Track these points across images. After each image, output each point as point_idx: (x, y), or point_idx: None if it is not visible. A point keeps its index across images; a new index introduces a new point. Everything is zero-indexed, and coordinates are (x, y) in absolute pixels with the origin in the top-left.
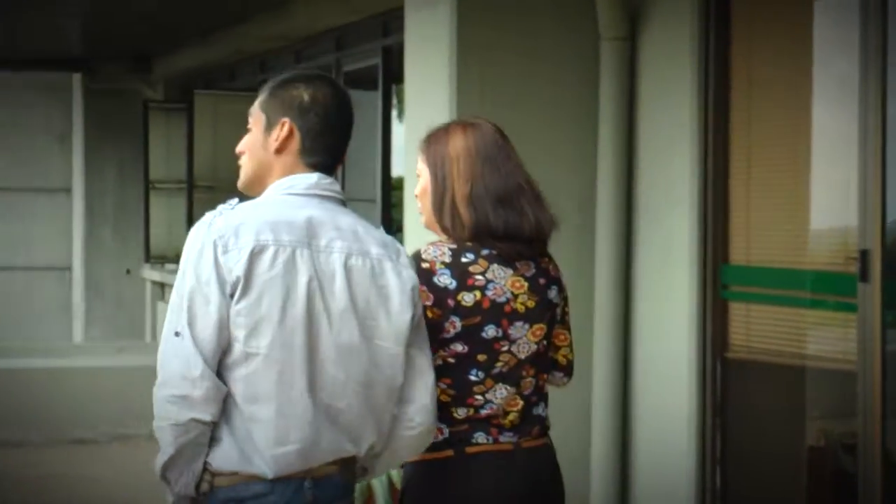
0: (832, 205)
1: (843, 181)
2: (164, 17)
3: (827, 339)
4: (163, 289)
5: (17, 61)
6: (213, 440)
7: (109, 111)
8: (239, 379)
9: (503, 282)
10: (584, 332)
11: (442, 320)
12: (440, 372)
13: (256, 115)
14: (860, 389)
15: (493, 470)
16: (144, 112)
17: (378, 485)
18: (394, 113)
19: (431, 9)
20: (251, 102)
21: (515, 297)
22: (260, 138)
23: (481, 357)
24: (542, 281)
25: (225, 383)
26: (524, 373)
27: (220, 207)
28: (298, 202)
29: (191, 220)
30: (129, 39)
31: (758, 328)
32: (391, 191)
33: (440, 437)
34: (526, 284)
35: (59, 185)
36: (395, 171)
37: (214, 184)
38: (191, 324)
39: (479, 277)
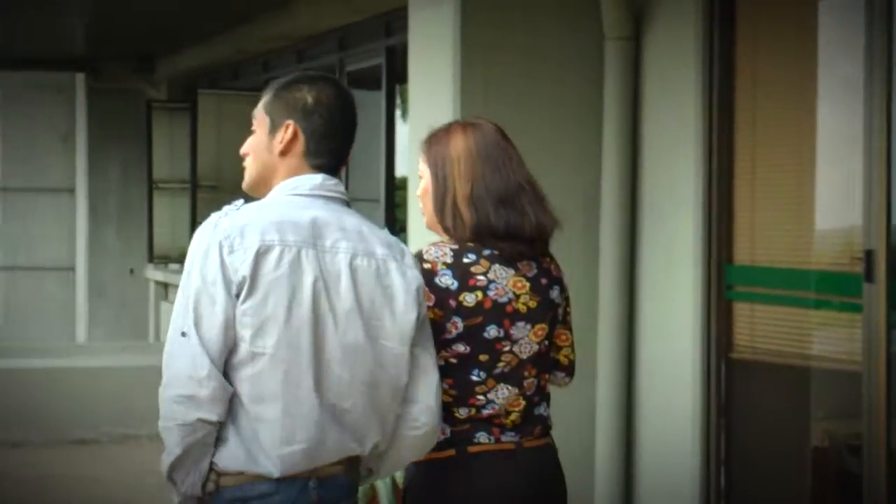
0: (837, 205)
1: (847, 181)
2: (167, 16)
3: (832, 339)
4: (166, 289)
5: (21, 61)
6: (218, 440)
7: (113, 111)
8: (245, 379)
9: (505, 282)
10: (589, 332)
11: (443, 321)
12: (442, 372)
13: (260, 117)
14: (865, 390)
15: (495, 469)
16: (148, 112)
17: (381, 485)
18: (397, 113)
19: (435, 8)
20: (254, 102)
21: (517, 297)
22: (264, 140)
23: (483, 357)
24: (543, 281)
25: (231, 383)
26: (526, 373)
27: (226, 208)
28: (303, 203)
29: (194, 220)
30: (133, 39)
31: (762, 328)
32: (395, 191)
33: (442, 437)
34: (528, 285)
35: (63, 184)
36: (399, 172)
37: (218, 183)
38: (197, 324)
39: (481, 278)
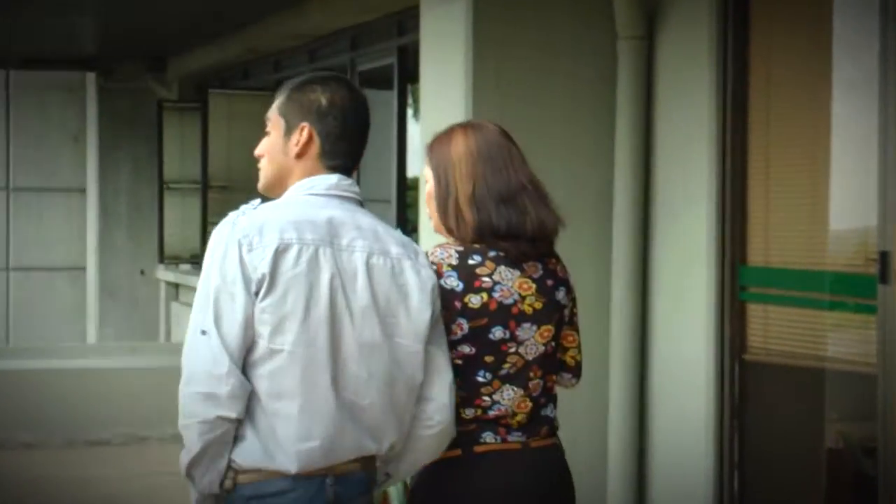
0: (851, 206)
1: (862, 181)
2: (178, 16)
3: (846, 341)
4: (177, 289)
5: (32, 60)
6: (236, 437)
7: (124, 111)
8: (263, 376)
9: (510, 283)
10: (601, 332)
11: (449, 322)
12: None
13: (275, 119)
14: (880, 392)
15: (501, 469)
16: (159, 111)
17: (394, 490)
18: (409, 112)
19: (447, 6)
20: (266, 102)
21: (523, 298)
22: (279, 142)
23: (488, 358)
24: (549, 282)
25: (249, 380)
26: (532, 374)
27: (243, 207)
28: (319, 202)
29: (205, 221)
30: (144, 39)
31: (776, 330)
32: (406, 191)
33: None
34: (534, 286)
35: (74, 184)
36: (411, 172)
37: (228, 184)
38: (217, 322)
39: (486, 279)
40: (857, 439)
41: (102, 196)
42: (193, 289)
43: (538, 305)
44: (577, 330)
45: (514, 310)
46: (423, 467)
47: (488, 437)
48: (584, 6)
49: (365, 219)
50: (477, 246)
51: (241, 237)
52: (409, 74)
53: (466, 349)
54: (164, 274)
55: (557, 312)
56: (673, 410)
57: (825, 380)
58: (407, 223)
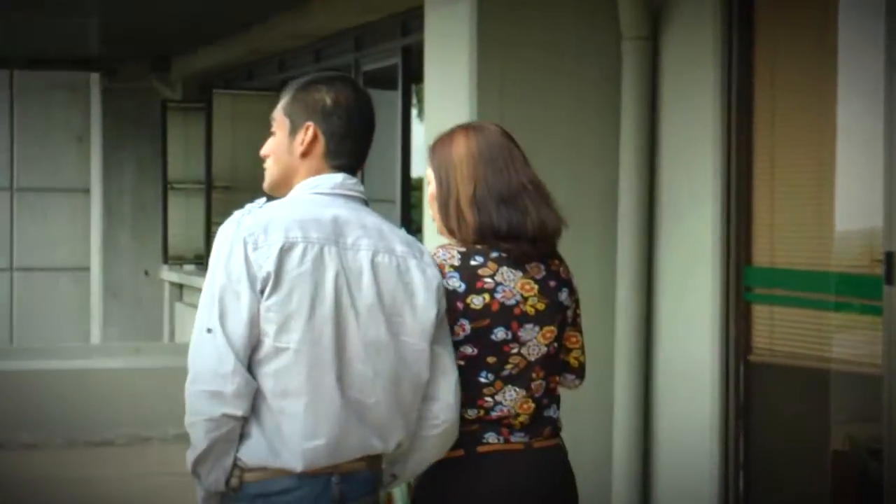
0: (857, 206)
1: (867, 182)
2: (182, 16)
3: (852, 342)
4: (181, 290)
5: (36, 60)
6: (242, 435)
7: (128, 111)
8: (269, 374)
9: (512, 284)
10: (606, 332)
11: (451, 323)
12: None
13: (280, 119)
14: (885, 393)
15: (504, 469)
16: (163, 112)
17: (398, 491)
18: (413, 113)
19: (451, 6)
20: (270, 102)
21: (525, 299)
22: (285, 142)
23: (491, 359)
24: (552, 283)
25: (255, 379)
26: (534, 375)
27: (249, 206)
28: (324, 201)
29: (209, 221)
30: (148, 39)
31: (781, 331)
32: (410, 191)
33: None
34: (536, 287)
35: (77, 185)
36: (415, 172)
37: (233, 184)
38: (222, 320)
39: (488, 280)
40: (862, 440)
41: (106, 196)
42: (198, 289)
43: (540, 306)
44: (580, 331)
45: (517, 311)
46: (426, 467)
47: (491, 437)
48: (588, 6)
49: (370, 218)
50: (479, 247)
51: (246, 236)
52: (413, 74)
53: (468, 350)
54: (168, 274)
55: (560, 313)
56: (678, 411)
57: (830, 381)
58: (411, 223)
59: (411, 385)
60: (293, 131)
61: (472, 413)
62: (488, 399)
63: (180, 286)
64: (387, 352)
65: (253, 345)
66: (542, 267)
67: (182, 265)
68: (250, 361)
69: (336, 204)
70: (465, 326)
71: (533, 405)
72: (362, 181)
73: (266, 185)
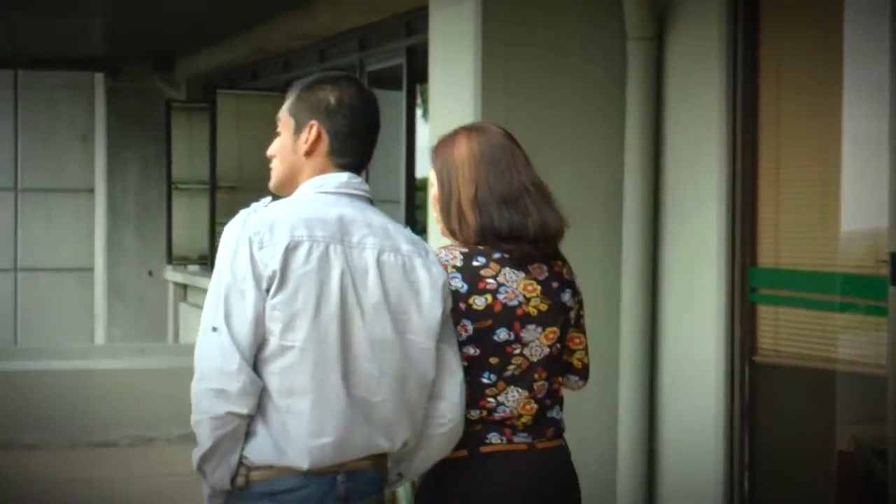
0: (862, 207)
1: (873, 183)
2: (186, 16)
3: (857, 343)
4: (185, 290)
5: (40, 60)
6: (248, 434)
7: (132, 111)
8: (275, 372)
9: (515, 285)
10: (611, 333)
11: (454, 324)
12: None
13: (285, 119)
14: (890, 394)
15: (507, 469)
16: (167, 112)
17: (402, 490)
18: (418, 113)
19: (456, 6)
20: (274, 102)
21: (528, 300)
22: (289, 142)
23: (493, 360)
24: (555, 284)
25: (260, 377)
26: (536, 376)
27: (254, 205)
28: (330, 200)
29: (213, 221)
30: (152, 39)
31: (787, 332)
32: (415, 192)
33: None
34: (538, 288)
35: (82, 185)
36: (420, 172)
37: (237, 184)
38: (227, 319)
39: (491, 281)
40: (867, 441)
41: (110, 196)
42: (202, 290)
43: (543, 307)
44: (583, 332)
45: (519, 311)
46: (431, 467)
47: (494, 437)
48: (593, 7)
49: (375, 216)
50: (481, 248)
51: (251, 234)
52: (417, 75)
53: (471, 350)
54: (172, 275)
55: (563, 314)
56: (683, 412)
57: (836, 382)
58: (416, 224)
59: (417, 384)
60: (298, 130)
61: (474, 414)
62: (491, 400)
63: (184, 286)
64: (392, 350)
65: (258, 343)
66: (545, 268)
67: (186, 265)
68: (256, 360)
69: (341, 203)
70: (468, 327)
71: (536, 406)
72: (366, 181)
73: (272, 184)
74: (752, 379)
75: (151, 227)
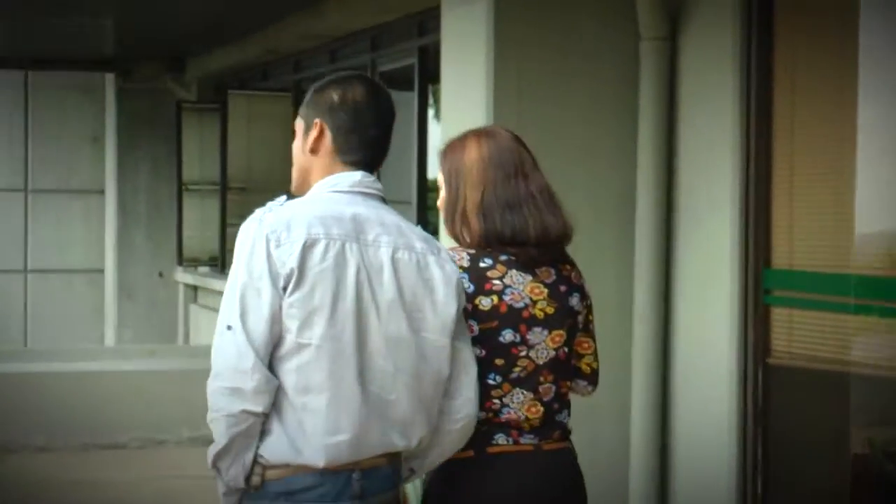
0: (877, 208)
1: (888, 184)
2: (197, 16)
3: (872, 345)
4: (196, 292)
5: (50, 61)
6: (263, 432)
7: (142, 112)
8: (291, 370)
9: (522, 287)
10: (623, 335)
11: None
12: None
13: (298, 122)
14: None
15: (514, 470)
16: (178, 112)
17: (410, 487)
18: (430, 113)
19: (468, 6)
20: (285, 103)
21: (534, 302)
22: (300, 143)
23: (499, 361)
24: (562, 288)
25: (276, 375)
26: (542, 378)
27: (270, 204)
28: (344, 199)
29: (224, 223)
30: (163, 39)
31: (800, 334)
32: (427, 192)
33: None
34: (546, 291)
35: (92, 186)
36: (431, 173)
37: (248, 185)
38: (243, 317)
39: (497, 282)
40: (882, 444)
41: (121, 197)
42: (212, 291)
43: (550, 310)
44: (592, 337)
45: (525, 313)
46: (437, 467)
47: (500, 438)
48: (606, 7)
49: (388, 215)
50: (489, 249)
51: (268, 233)
52: (430, 75)
53: (477, 351)
54: (183, 276)
55: (570, 318)
56: (696, 414)
57: (850, 384)
58: (428, 224)
59: (432, 381)
60: (306, 131)
61: (480, 414)
62: (496, 401)
63: (195, 288)
64: (407, 347)
65: (274, 342)
66: (553, 271)
67: (197, 267)
68: (272, 358)
69: (355, 201)
70: (474, 328)
71: (542, 409)
72: (378, 181)
73: (292, 186)
74: (765, 381)
75: (162, 228)
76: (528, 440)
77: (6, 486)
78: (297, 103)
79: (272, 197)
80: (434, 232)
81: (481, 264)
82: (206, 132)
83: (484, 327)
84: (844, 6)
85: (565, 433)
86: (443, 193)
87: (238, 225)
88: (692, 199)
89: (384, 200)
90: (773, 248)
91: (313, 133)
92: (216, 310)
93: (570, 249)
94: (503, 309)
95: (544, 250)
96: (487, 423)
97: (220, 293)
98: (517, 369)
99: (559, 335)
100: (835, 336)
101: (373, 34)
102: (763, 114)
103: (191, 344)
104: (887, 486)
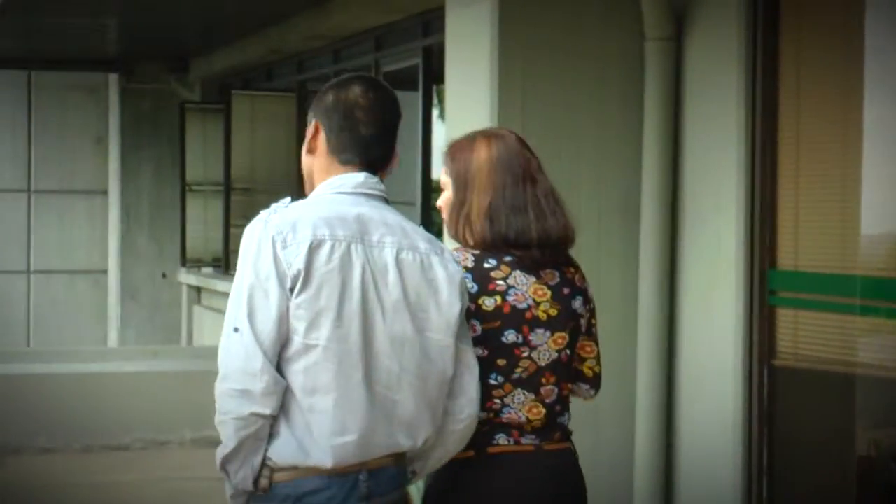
0: (883, 209)
1: (894, 185)
2: (201, 17)
3: (878, 346)
4: (199, 293)
5: (54, 61)
6: (271, 435)
7: (146, 112)
8: (299, 371)
9: (525, 288)
10: (628, 336)
11: None
12: None
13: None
14: None
15: (515, 469)
16: (181, 113)
17: (414, 489)
18: (434, 113)
19: (473, 7)
20: (289, 103)
21: (537, 304)
22: (304, 145)
23: (501, 362)
24: (566, 290)
25: (284, 377)
26: (544, 380)
27: (274, 206)
28: (348, 200)
29: (228, 223)
30: (166, 39)
31: (806, 335)
32: (431, 193)
33: None
34: (549, 293)
35: (95, 186)
36: (436, 174)
37: (252, 186)
38: (251, 318)
39: (501, 283)
40: (888, 446)
41: (124, 198)
42: (216, 292)
43: (553, 312)
44: (595, 341)
45: (528, 315)
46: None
47: (501, 438)
48: (610, 7)
49: (391, 216)
50: (493, 250)
51: (274, 234)
52: (434, 75)
53: (479, 351)
54: (186, 277)
55: (573, 321)
56: (701, 415)
57: (856, 386)
58: (432, 225)
59: (437, 381)
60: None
61: (481, 415)
62: (497, 401)
63: (198, 289)
64: (412, 347)
65: (282, 343)
66: (557, 274)
67: (200, 268)
68: (279, 359)
69: (359, 202)
70: (476, 328)
71: (544, 410)
72: (381, 181)
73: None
74: (770, 382)
75: (165, 229)
76: (528, 440)
77: (8, 488)
78: (301, 103)
79: (276, 198)
80: (438, 233)
81: (485, 265)
82: (210, 132)
83: (487, 327)
84: (850, 7)
85: (566, 434)
86: (446, 194)
87: (242, 226)
88: (697, 199)
89: (387, 201)
90: (778, 249)
91: (310, 132)
92: (220, 311)
93: (575, 250)
94: (506, 309)
95: (547, 252)
96: (488, 424)
97: (224, 294)
98: (519, 370)
99: (562, 337)
100: (840, 337)
101: (377, 34)
102: (768, 114)
103: (194, 345)
104: (893, 488)
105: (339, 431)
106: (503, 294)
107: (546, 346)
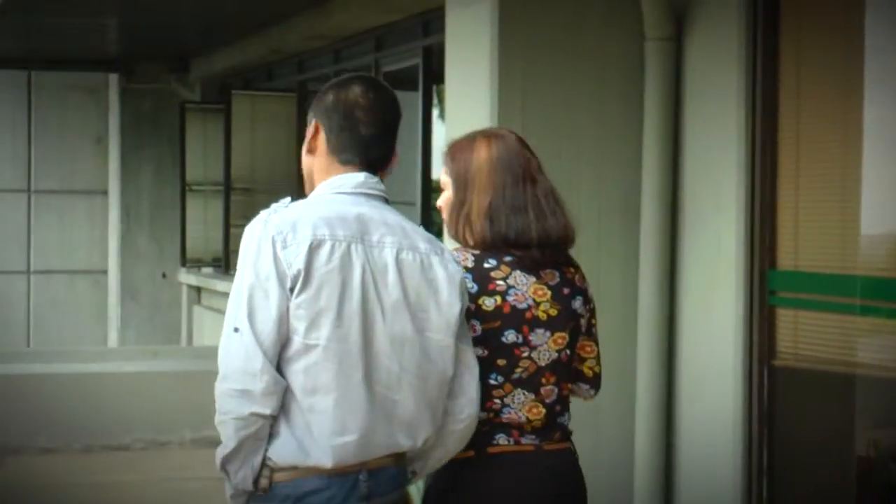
0: (883, 209)
1: (894, 186)
2: (201, 16)
3: (878, 346)
4: (199, 293)
5: (54, 61)
6: (271, 435)
7: (146, 112)
8: (299, 371)
9: (525, 288)
10: (628, 336)
11: None
12: None
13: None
14: None
15: (515, 469)
16: (181, 113)
17: (414, 489)
18: (435, 113)
19: (473, 7)
20: (289, 103)
21: (537, 304)
22: (304, 146)
23: (501, 361)
24: (566, 291)
25: (284, 377)
26: (544, 380)
27: (274, 206)
28: (348, 200)
29: (228, 223)
30: (167, 39)
31: (806, 335)
32: (431, 193)
33: None
34: (549, 293)
35: (96, 187)
36: (436, 174)
37: (252, 186)
38: (251, 318)
39: (501, 283)
40: (888, 447)
41: (124, 198)
42: (216, 292)
43: (553, 312)
44: (595, 341)
45: (528, 315)
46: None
47: (501, 438)
48: (610, 7)
49: (391, 215)
50: (493, 250)
51: (274, 234)
52: (434, 75)
53: (479, 351)
54: (186, 277)
55: (573, 321)
56: (701, 415)
57: (856, 386)
58: (432, 225)
59: (437, 381)
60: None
61: (481, 415)
62: (497, 401)
63: (198, 289)
64: (412, 347)
65: (282, 343)
66: (557, 274)
67: (200, 268)
68: (280, 359)
69: (359, 202)
70: (476, 328)
71: (544, 410)
72: (381, 181)
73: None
74: (770, 382)
75: (165, 229)
76: (528, 440)
77: (8, 488)
78: (301, 103)
79: (276, 198)
80: (438, 233)
81: (485, 265)
82: (210, 133)
83: (487, 327)
84: (850, 7)
85: (566, 434)
86: (446, 194)
87: (242, 226)
88: (697, 199)
89: (387, 201)
90: (778, 249)
91: (310, 132)
92: (220, 311)
93: (575, 250)
94: (506, 309)
95: (547, 252)
96: (488, 424)
97: (224, 294)
98: (519, 370)
99: (562, 337)
100: (840, 337)
101: (377, 34)
102: (768, 114)
103: (194, 345)
104: (893, 488)
105: (339, 431)
106: (503, 294)
107: (546, 346)
